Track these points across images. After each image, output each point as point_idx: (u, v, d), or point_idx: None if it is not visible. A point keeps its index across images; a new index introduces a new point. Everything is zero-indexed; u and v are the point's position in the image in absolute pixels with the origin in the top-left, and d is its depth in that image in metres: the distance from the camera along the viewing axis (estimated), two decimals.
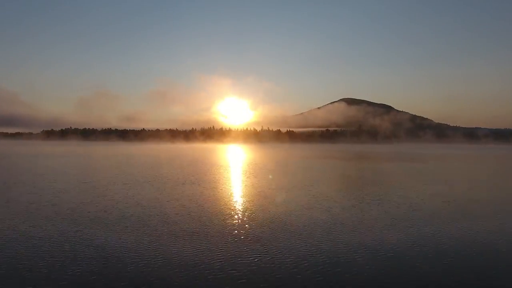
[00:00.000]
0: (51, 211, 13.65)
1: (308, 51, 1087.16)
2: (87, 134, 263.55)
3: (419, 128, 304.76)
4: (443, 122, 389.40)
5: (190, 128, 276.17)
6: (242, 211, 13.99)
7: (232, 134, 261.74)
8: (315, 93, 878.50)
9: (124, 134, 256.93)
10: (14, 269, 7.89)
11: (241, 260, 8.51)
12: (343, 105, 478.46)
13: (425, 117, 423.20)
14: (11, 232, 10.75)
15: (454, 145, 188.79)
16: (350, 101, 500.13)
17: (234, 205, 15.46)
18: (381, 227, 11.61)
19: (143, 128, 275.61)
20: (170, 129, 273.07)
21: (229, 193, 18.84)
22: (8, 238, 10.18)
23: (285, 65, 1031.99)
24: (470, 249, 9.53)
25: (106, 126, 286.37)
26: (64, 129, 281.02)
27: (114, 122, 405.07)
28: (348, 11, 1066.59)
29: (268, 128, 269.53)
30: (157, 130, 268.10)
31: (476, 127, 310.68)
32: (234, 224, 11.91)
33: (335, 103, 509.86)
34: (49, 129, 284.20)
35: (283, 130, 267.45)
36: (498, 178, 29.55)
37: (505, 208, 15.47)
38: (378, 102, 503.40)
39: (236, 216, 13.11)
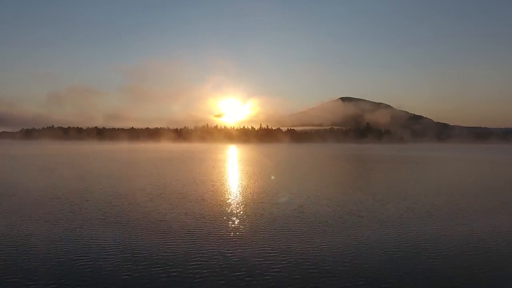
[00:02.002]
0: None
1: (306, 50, 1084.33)
2: (70, 132, 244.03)
3: (418, 127, 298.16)
4: (442, 122, 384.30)
5: (183, 127, 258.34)
6: (245, 212, 14.51)
7: (228, 133, 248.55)
8: (313, 91, 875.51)
9: (111, 133, 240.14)
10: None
11: (242, 260, 8.62)
12: (341, 103, 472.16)
13: (425, 116, 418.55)
14: None
15: (454, 146, 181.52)
16: (349, 100, 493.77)
17: (242, 205, 15.94)
18: (385, 225, 12.65)
19: (132, 127, 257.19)
20: (160, 127, 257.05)
21: (239, 194, 19.33)
22: None
23: (283, 63, 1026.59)
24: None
25: (91, 124, 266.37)
26: (45, 127, 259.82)
27: (100, 120, 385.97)
28: (346, 10, 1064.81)
29: (267, 126, 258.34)
30: (147, 129, 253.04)
31: (475, 127, 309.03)
32: (234, 225, 12.36)
33: (333, 101, 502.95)
34: (30, 128, 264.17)
35: (283, 129, 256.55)
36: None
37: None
38: (377, 101, 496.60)
39: (237, 217, 13.58)
